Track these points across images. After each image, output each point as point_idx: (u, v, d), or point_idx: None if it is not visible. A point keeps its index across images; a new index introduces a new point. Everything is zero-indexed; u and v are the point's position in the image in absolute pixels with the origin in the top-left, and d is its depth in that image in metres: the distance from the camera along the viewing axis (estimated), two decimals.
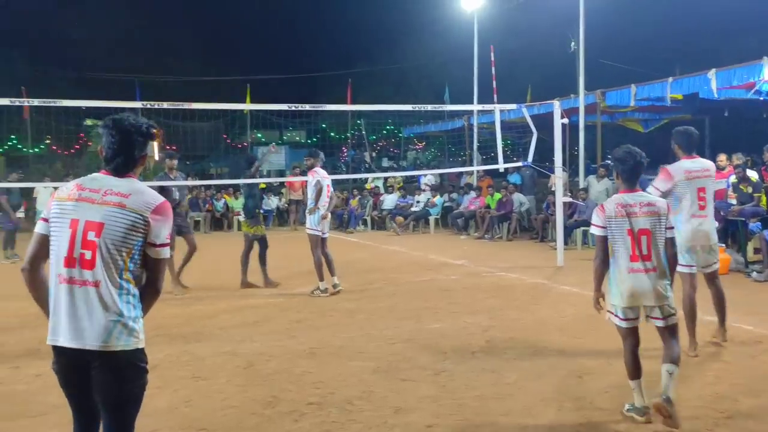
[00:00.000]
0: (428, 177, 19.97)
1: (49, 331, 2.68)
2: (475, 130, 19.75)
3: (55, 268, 2.68)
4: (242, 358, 5.71)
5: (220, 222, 19.74)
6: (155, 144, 31.85)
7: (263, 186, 23.08)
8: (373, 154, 32.88)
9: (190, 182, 9.26)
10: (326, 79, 35.45)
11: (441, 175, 20.90)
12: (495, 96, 11.45)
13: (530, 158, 10.93)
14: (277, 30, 46.29)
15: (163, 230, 2.73)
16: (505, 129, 12.62)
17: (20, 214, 13.59)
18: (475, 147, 19.87)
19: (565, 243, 11.37)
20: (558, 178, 11.00)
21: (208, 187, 20.04)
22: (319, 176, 8.78)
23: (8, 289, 9.77)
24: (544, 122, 12.25)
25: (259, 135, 35.35)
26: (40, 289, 2.76)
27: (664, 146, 11.29)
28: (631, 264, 4.12)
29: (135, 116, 2.84)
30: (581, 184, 14.39)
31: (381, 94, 33.09)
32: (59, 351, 2.68)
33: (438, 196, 18.32)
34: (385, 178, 21.06)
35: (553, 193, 12.94)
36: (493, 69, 11.78)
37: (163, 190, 9.00)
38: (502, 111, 12.28)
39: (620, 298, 4.17)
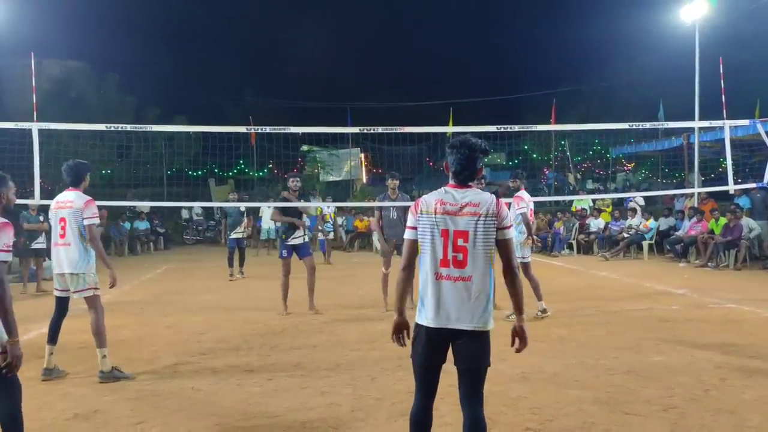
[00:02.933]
0: (636, 198, 18.75)
1: (423, 317, 3.36)
2: (696, 148, 18.23)
3: (432, 268, 3.34)
4: (455, 377, 5.68)
5: None
6: (363, 167, 33.65)
7: None
8: (578, 176, 31.69)
9: (405, 203, 9.39)
10: (529, 100, 35.02)
11: (647, 198, 19.52)
12: (724, 111, 10.44)
13: (766, 179, 9.79)
14: (479, 52, 46.77)
15: (506, 214, 3.37)
16: (732, 147, 11.43)
17: (236, 234, 13.61)
18: (696, 167, 18.33)
19: None
20: None
21: None
22: (525, 202, 8.60)
23: (234, 302, 10.80)
24: None
25: None
26: (410, 283, 3.50)
27: None
28: None
29: (474, 137, 3.45)
30: None
31: (587, 114, 31.92)
32: (430, 331, 3.34)
33: (651, 220, 17.14)
34: (593, 200, 20.15)
35: None
36: (722, 82, 10.76)
37: (382, 209, 9.41)
38: (730, 128, 11.19)
39: None
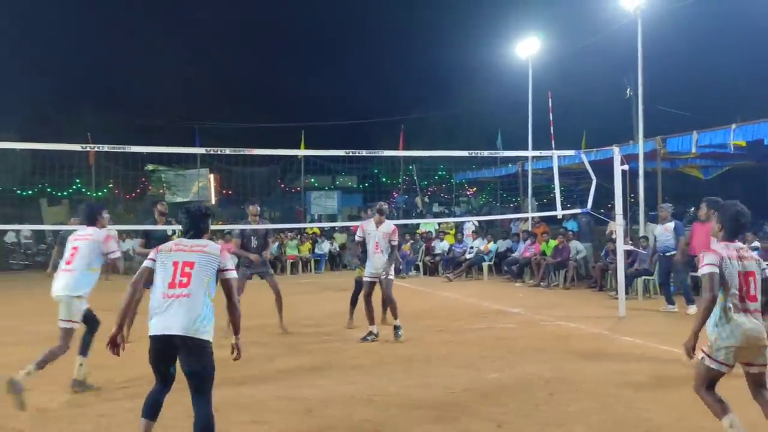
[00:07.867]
0: (469, 224, 19.70)
1: (152, 328, 4.07)
2: (530, 176, 19.60)
3: (161, 290, 4.10)
4: (301, 403, 5.66)
5: (273, 264, 19.88)
6: (212, 187, 32.69)
7: (316, 230, 23.38)
8: (425, 200, 32.88)
9: (266, 225, 9.39)
10: (378, 125, 35.84)
11: (487, 221, 20.65)
12: (553, 142, 11.35)
13: (590, 205, 10.72)
14: (329, 77, 47.42)
15: (227, 259, 4.30)
16: (560, 175, 12.48)
17: None
18: (529, 193, 19.69)
19: (626, 292, 11.02)
20: (618, 226, 10.75)
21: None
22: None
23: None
24: (602, 169, 12.06)
25: (312, 180, 35.84)
26: (135, 305, 4.33)
27: (723, 194, 11.07)
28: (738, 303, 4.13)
29: (198, 204, 4.53)
30: (641, 232, 14.04)
31: (433, 140, 33.26)
32: (155, 338, 4.07)
33: (491, 243, 18.13)
34: (438, 224, 20.98)
35: (612, 240, 12.66)
36: (550, 115, 11.70)
37: (244, 236, 9.29)
38: (558, 157, 12.17)
39: (734, 340, 4.09)
